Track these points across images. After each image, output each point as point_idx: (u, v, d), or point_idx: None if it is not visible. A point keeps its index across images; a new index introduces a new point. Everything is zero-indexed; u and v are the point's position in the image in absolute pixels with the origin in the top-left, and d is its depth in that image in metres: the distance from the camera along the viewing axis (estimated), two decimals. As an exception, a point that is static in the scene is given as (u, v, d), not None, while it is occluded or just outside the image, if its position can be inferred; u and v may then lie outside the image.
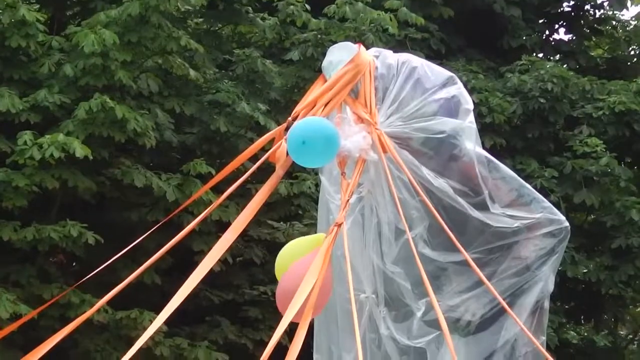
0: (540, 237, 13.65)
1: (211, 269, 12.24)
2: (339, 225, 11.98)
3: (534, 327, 13.58)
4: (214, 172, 22.94)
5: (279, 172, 12.93)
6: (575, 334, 31.23)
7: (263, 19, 30.73)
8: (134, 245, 13.59)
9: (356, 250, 12.94)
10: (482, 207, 13.22)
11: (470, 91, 14.28)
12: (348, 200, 12.36)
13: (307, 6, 31.46)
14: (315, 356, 13.41)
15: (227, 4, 29.16)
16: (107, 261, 12.89)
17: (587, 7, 38.80)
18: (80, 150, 24.54)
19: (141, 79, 26.56)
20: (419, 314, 12.91)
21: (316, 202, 14.55)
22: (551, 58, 36.39)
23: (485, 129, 23.06)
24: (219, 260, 13.78)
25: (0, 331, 15.62)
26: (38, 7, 26.56)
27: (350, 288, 11.78)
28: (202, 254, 14.04)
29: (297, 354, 11.10)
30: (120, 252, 13.46)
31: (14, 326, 15.46)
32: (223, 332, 26.88)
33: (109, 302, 15.96)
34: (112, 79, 25.97)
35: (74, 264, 26.60)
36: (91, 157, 24.91)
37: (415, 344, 13.31)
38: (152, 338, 20.44)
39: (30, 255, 25.94)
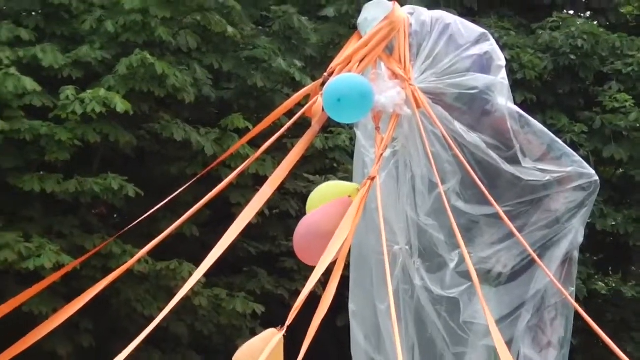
0: (570, 191, 13.66)
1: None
2: (373, 178, 11.98)
3: (563, 278, 13.60)
4: (251, 126, 22.95)
5: (315, 127, 12.97)
6: (603, 285, 31.21)
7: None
8: (173, 198, 13.66)
9: (390, 203, 12.96)
10: (514, 161, 13.24)
11: (502, 48, 14.28)
12: (382, 154, 12.35)
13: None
14: (350, 306, 13.45)
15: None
16: (146, 213, 12.95)
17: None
18: (121, 105, 24.59)
19: (180, 35, 26.60)
20: (452, 265, 12.93)
21: (351, 155, 14.64)
22: (581, 15, 36.25)
23: (516, 85, 23.00)
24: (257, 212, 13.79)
25: (44, 281, 15.64)
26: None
27: (383, 240, 11.78)
28: (240, 206, 14.05)
29: (328, 305, 11.13)
30: (159, 204, 13.51)
31: (56, 276, 15.56)
32: (260, 283, 26.91)
33: (149, 253, 16.03)
34: (152, 36, 25.99)
35: (114, 215, 26.67)
36: (131, 112, 24.97)
37: (448, 294, 13.33)
38: (191, 289, 20.39)
39: (72, 206, 26.00)
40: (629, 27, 35.87)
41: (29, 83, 24.53)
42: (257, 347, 11.64)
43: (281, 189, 22.93)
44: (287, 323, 11.01)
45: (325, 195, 12.73)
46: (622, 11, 37.06)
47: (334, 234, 11.66)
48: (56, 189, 25.49)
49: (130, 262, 14.48)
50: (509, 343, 13.49)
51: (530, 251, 12.93)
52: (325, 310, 11.19)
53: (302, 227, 12.33)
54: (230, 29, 27.33)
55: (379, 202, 12.24)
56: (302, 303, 10.74)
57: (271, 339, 11.02)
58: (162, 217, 15.95)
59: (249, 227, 14.07)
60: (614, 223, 30.77)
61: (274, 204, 24.93)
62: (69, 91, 25.13)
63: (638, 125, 32.58)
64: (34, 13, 26.90)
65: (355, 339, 13.55)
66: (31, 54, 25.49)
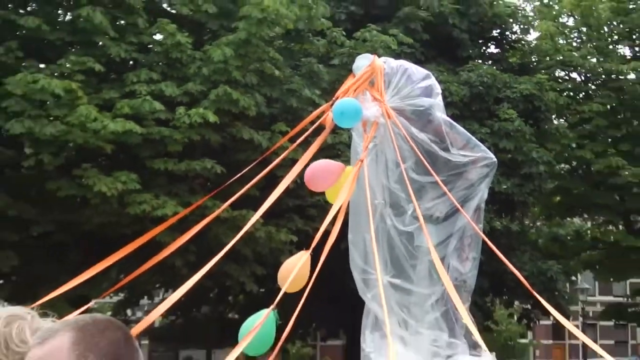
0: (479, 167, 13.82)
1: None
2: (362, 160, 12.44)
3: (475, 220, 13.71)
4: (289, 130, 22.84)
5: (327, 130, 13.49)
6: (499, 224, 31.25)
7: (318, 40, 30.67)
8: (243, 173, 13.81)
9: (372, 175, 13.17)
10: (446, 149, 13.55)
11: (439, 82, 14.35)
12: (367, 146, 12.83)
13: (343, 32, 31.53)
14: (349, 236, 13.48)
15: (296, 32, 29.07)
16: (226, 183, 13.41)
17: (507, 33, 38.56)
18: (212, 117, 24.61)
19: (247, 75, 26.45)
20: (409, 212, 13.16)
21: (349, 147, 14.65)
22: (486, 63, 36.18)
23: (447, 105, 22.92)
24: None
25: (167, 222, 15.56)
26: (187, 34, 26.51)
27: (368, 197, 12.14)
28: (282, 177, 14.00)
29: (335, 236, 11.37)
30: (235, 177, 13.65)
31: (174, 219, 15.54)
32: (295, 223, 26.89)
33: (230, 206, 16.01)
34: (230, 76, 25.93)
35: (208, 184, 26.54)
36: (218, 122, 24.97)
37: (406, 229, 13.44)
38: (254, 226, 20.55)
39: (183, 178, 25.89)
40: (514, 70, 35.77)
41: (157, 105, 24.55)
42: (293, 262, 11.67)
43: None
44: (312, 247, 11.22)
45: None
46: (510, 60, 36.96)
47: (332, 176, 12.34)
48: (174, 168, 25.46)
49: (218, 211, 14.50)
50: (443, 259, 13.54)
51: (456, 203, 13.18)
52: (334, 238, 11.32)
53: (312, 168, 12.88)
54: (277, 72, 27.26)
55: (365, 174, 12.56)
56: (320, 234, 11.02)
57: (302, 257, 11.18)
58: (237, 184, 15.76)
59: (288, 189, 14.18)
60: (505, 187, 30.73)
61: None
62: (181, 109, 25.10)
63: (520, 128, 32.59)
64: (160, 63, 26.81)
65: (352, 256, 13.59)
66: (159, 87, 25.46)
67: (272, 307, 11.28)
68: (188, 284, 12.56)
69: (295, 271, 11.79)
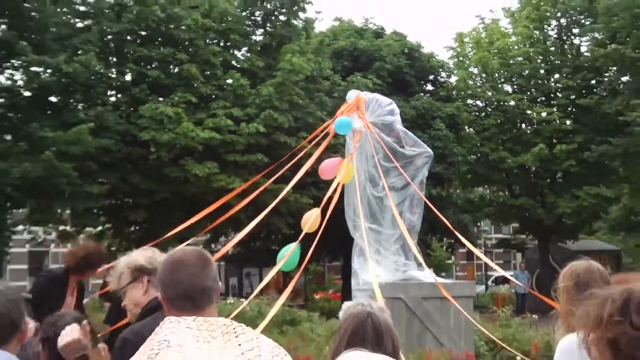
0: (423, 157, 13.64)
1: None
2: (352, 154, 12.16)
3: (420, 189, 13.49)
4: (307, 135, 22.62)
5: (331, 135, 13.23)
6: (435, 192, 30.91)
7: (325, 81, 30.50)
8: (294, 161, 13.65)
9: (358, 162, 12.89)
10: (402, 147, 13.28)
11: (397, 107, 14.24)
12: (355, 145, 12.50)
13: (340, 77, 31.38)
14: (345, 199, 13.34)
15: (312, 77, 28.79)
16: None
17: (438, 77, 38.25)
18: (262, 129, 24.67)
19: (282, 104, 26.36)
20: (380, 185, 12.90)
21: (344, 146, 14.53)
22: (425, 95, 35.79)
23: (402, 121, 22.53)
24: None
25: (236, 190, 15.42)
26: (247, 79, 26.46)
27: (356, 177, 11.86)
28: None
29: (336, 199, 11.11)
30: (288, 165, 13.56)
31: (241, 188, 15.37)
32: (312, 192, 26.69)
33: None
34: (272, 104, 25.92)
35: (260, 169, 26.45)
36: (265, 131, 24.95)
37: (379, 195, 13.26)
38: (287, 194, 20.67)
39: (245, 166, 25.76)
40: (443, 99, 35.41)
41: (229, 122, 24.70)
42: (309, 214, 11.52)
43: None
44: (320, 207, 10.95)
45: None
46: (440, 93, 36.54)
47: (335, 167, 12.16)
48: (239, 159, 25.42)
49: (265, 185, 14.35)
50: (401, 213, 13.36)
51: (408, 179, 12.92)
52: (335, 201, 11.13)
53: (323, 165, 12.67)
54: (300, 101, 27.18)
55: (354, 160, 12.29)
56: (326, 199, 10.74)
57: (314, 212, 10.99)
58: (277, 168, 15.70)
59: (307, 171, 13.91)
60: (438, 169, 30.51)
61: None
62: (243, 124, 25.14)
63: (446, 134, 32.37)
64: (230, 97, 26.66)
65: (346, 211, 13.48)
66: (230, 111, 25.50)
67: (296, 242, 11.26)
68: (248, 228, 12.51)
69: (311, 220, 11.72)
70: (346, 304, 3.89)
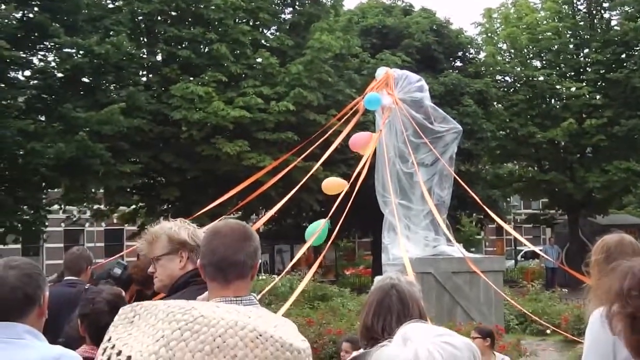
0: (451, 133, 13.63)
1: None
2: (381, 130, 12.15)
3: (449, 164, 13.50)
4: (337, 113, 22.58)
5: (360, 112, 13.19)
6: (464, 167, 30.74)
7: (354, 59, 30.40)
8: (323, 139, 13.70)
9: (387, 138, 12.95)
10: (431, 122, 13.20)
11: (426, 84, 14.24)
12: (384, 122, 12.48)
13: (369, 55, 31.28)
14: (375, 175, 13.38)
15: (341, 55, 28.68)
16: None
17: (467, 54, 38.07)
18: (291, 107, 24.76)
19: (312, 82, 26.35)
20: (410, 160, 12.87)
21: (374, 123, 14.51)
22: (454, 72, 35.47)
23: (431, 97, 22.46)
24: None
25: (266, 168, 15.49)
26: (276, 58, 26.50)
27: (384, 149, 11.90)
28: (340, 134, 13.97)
29: (364, 174, 11.17)
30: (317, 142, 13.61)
31: (271, 166, 15.42)
32: (341, 169, 26.68)
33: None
34: (302, 82, 25.89)
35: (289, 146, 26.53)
36: (295, 109, 25.04)
37: (408, 171, 13.28)
38: (317, 171, 20.65)
39: (275, 144, 25.81)
40: (471, 75, 35.15)
41: (259, 100, 24.80)
42: (333, 178, 11.58)
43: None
44: (350, 181, 10.99)
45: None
46: (469, 70, 36.25)
47: (365, 142, 12.17)
48: (269, 137, 25.53)
49: (295, 162, 14.41)
50: (430, 188, 13.38)
51: (438, 155, 12.91)
52: (363, 176, 11.17)
53: (353, 138, 12.72)
54: (329, 79, 27.17)
55: (383, 138, 12.30)
56: (355, 174, 10.78)
57: (338, 180, 11.04)
58: (308, 146, 15.69)
59: (337, 148, 13.99)
60: (467, 145, 30.37)
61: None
62: (273, 103, 25.19)
63: (475, 110, 32.19)
64: (260, 75, 26.68)
65: (377, 187, 13.56)
66: (260, 90, 25.62)
67: (326, 219, 11.31)
68: (279, 205, 12.59)
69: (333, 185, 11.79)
70: (377, 278, 3.94)
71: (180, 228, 3.79)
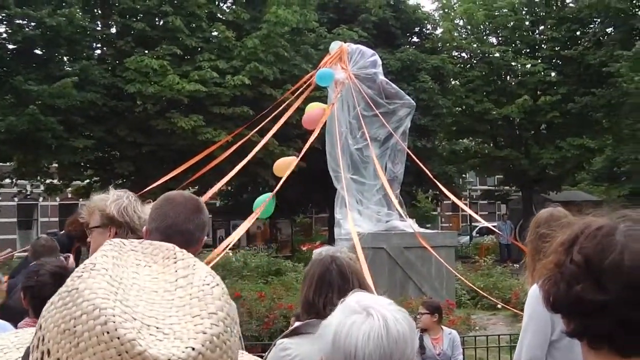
0: (405, 108, 13.61)
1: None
2: (333, 104, 12.16)
3: (402, 139, 13.55)
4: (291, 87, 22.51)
5: (312, 86, 13.14)
6: (420, 143, 30.89)
7: (310, 34, 30.30)
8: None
9: (339, 113, 12.95)
10: (382, 98, 13.18)
11: (382, 59, 14.24)
12: (336, 96, 12.47)
13: (326, 29, 31.20)
14: (327, 149, 13.38)
15: (297, 30, 28.53)
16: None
17: (423, 29, 38.20)
18: (247, 81, 24.73)
19: (268, 56, 26.24)
20: (363, 133, 12.91)
21: (326, 97, 14.52)
22: (411, 48, 35.52)
23: (387, 73, 22.24)
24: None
25: (221, 142, 15.45)
26: (232, 31, 26.35)
27: (336, 124, 11.90)
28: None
29: (312, 141, 11.20)
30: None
31: (223, 141, 15.32)
32: (298, 144, 26.70)
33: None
34: (258, 57, 25.84)
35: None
36: (251, 84, 25.07)
37: (360, 146, 13.32)
38: (273, 146, 20.18)
39: (230, 118, 25.65)
40: (428, 51, 35.25)
41: (214, 74, 24.74)
42: (285, 159, 11.58)
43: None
44: (299, 155, 11.02)
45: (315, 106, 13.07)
46: (426, 45, 36.33)
47: (318, 118, 12.12)
48: (225, 112, 25.44)
49: (248, 135, 14.38)
50: (382, 165, 13.44)
51: (390, 129, 12.95)
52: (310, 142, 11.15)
53: (306, 115, 12.75)
54: (286, 54, 27.04)
55: (335, 113, 12.29)
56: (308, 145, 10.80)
57: (289, 159, 11.04)
58: (262, 120, 15.70)
59: (293, 123, 14.00)
60: (423, 121, 30.50)
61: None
62: (229, 77, 25.10)
63: (431, 86, 32.32)
64: (216, 49, 26.52)
65: (329, 163, 13.57)
66: (215, 64, 25.42)
67: (272, 193, 11.35)
68: (229, 175, 12.64)
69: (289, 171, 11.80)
70: (315, 251, 3.96)
71: (113, 203, 3.74)
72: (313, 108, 13.32)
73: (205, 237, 3.24)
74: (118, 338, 1.00)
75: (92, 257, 1.18)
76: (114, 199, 3.76)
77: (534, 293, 4.09)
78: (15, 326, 4.22)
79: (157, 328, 1.03)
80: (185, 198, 3.10)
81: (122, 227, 3.68)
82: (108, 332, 1.00)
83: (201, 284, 1.14)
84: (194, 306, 1.10)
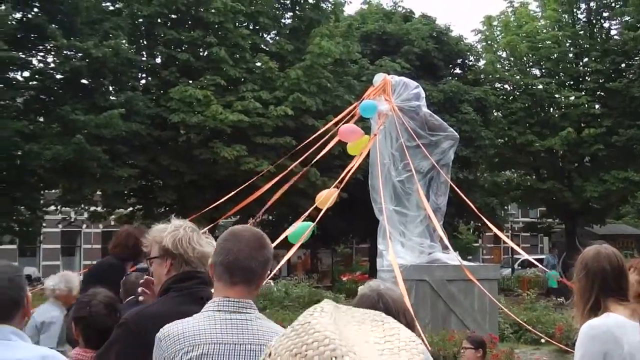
0: (448, 140, 13.54)
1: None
2: (375, 134, 12.14)
3: (445, 172, 13.48)
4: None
5: (355, 118, 13.08)
6: (462, 175, 30.70)
7: (353, 65, 30.40)
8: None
9: (382, 145, 12.93)
10: (425, 130, 13.13)
11: (425, 91, 14.24)
12: (379, 127, 12.42)
13: (368, 61, 31.30)
14: (369, 182, 13.38)
15: (340, 61, 28.64)
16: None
17: (466, 61, 38.15)
18: (289, 112, 24.84)
19: (311, 87, 26.33)
20: (405, 166, 12.87)
21: (370, 129, 14.53)
22: (453, 79, 35.51)
23: (430, 104, 22.21)
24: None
25: (263, 172, 15.49)
26: (275, 62, 26.59)
27: (377, 156, 11.87)
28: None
29: (350, 174, 11.15)
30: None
31: (265, 171, 15.34)
32: (339, 175, 26.71)
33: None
34: (301, 87, 25.93)
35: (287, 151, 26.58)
36: (293, 115, 25.15)
37: (402, 178, 13.31)
38: (315, 177, 20.23)
39: (273, 148, 25.77)
40: (470, 83, 35.19)
41: (257, 105, 24.87)
42: (325, 192, 11.61)
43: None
44: (341, 186, 10.97)
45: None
46: (468, 77, 36.29)
47: (354, 133, 12.18)
48: (267, 142, 25.55)
49: (291, 166, 14.43)
50: (427, 196, 13.39)
51: (433, 161, 12.89)
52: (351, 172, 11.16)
53: (343, 128, 12.73)
54: (329, 85, 27.20)
55: (377, 145, 12.28)
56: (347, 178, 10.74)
57: (332, 190, 11.04)
58: (303, 151, 15.75)
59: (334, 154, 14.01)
60: (465, 153, 30.35)
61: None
62: (272, 107, 25.22)
63: (473, 118, 32.22)
64: (259, 80, 26.72)
65: (371, 195, 13.56)
66: (259, 94, 25.65)
67: (314, 223, 11.37)
68: (269, 204, 12.80)
69: (325, 197, 11.78)
70: (361, 288, 3.93)
71: (170, 234, 3.77)
72: (357, 145, 13.33)
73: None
74: None
75: (315, 308, 1.37)
76: (171, 230, 3.78)
77: (586, 331, 4.03)
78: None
79: None
80: (250, 234, 3.11)
81: (176, 259, 3.72)
82: (336, 358, 1.19)
83: (407, 340, 1.34)
84: (402, 356, 1.30)
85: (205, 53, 26.99)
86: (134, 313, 3.65)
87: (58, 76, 24.67)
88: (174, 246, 3.72)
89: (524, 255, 18.31)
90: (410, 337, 1.33)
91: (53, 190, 26.81)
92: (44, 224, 28.00)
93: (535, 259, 20.57)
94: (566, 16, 36.68)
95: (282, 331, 3.11)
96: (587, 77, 36.12)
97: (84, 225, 42.39)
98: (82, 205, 27.45)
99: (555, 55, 35.85)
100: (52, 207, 26.98)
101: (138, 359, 3.33)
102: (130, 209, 28.92)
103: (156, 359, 2.98)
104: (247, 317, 3.03)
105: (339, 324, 1.31)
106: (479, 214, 14.63)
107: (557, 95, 35.79)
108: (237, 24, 27.76)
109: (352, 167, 12.85)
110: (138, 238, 7.71)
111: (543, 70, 37.13)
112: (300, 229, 11.69)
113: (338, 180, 13.06)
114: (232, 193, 14.68)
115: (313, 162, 14.10)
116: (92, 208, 28.20)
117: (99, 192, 26.86)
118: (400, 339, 1.32)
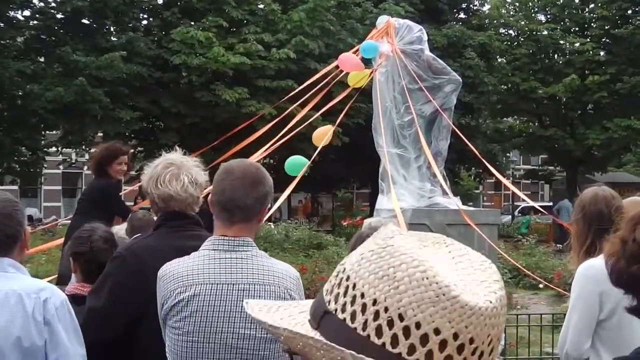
0: (452, 82, 13.45)
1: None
2: (375, 69, 12.11)
3: (448, 116, 13.41)
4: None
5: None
6: (464, 121, 30.60)
7: (356, 8, 30.12)
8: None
9: (384, 88, 12.89)
10: (427, 73, 13.06)
11: (428, 36, 14.11)
12: (379, 64, 12.38)
13: (372, 4, 31.01)
14: (372, 125, 13.35)
15: (344, 4, 28.39)
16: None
17: (470, 5, 37.84)
18: (292, 54, 24.68)
19: (313, 30, 26.17)
20: (407, 110, 12.83)
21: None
22: (457, 24, 35.20)
23: (433, 49, 21.89)
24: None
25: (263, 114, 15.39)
26: (278, 4, 26.30)
27: (379, 100, 11.83)
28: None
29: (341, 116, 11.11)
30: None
31: (264, 112, 15.27)
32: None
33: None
34: (303, 30, 25.72)
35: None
36: (295, 57, 24.89)
37: (404, 121, 13.28)
38: (316, 120, 20.50)
39: (274, 91, 25.63)
40: (474, 28, 34.88)
41: (259, 47, 24.68)
42: (321, 129, 11.60)
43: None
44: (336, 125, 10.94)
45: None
46: (472, 22, 35.98)
47: (354, 64, 12.15)
48: (269, 85, 25.41)
49: (290, 107, 14.38)
50: (427, 140, 13.37)
51: (436, 104, 12.84)
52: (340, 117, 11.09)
53: (344, 56, 12.61)
54: (332, 27, 26.95)
55: (380, 86, 12.25)
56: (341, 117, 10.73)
57: (328, 128, 11.02)
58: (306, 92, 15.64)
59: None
60: (468, 99, 30.19)
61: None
62: (274, 50, 25.08)
63: (477, 63, 32.00)
64: (261, 22, 26.49)
65: (375, 138, 13.50)
66: (261, 37, 25.45)
67: (309, 161, 11.42)
68: (267, 146, 12.78)
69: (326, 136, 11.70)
70: (366, 221, 3.91)
71: (147, 174, 3.72)
72: (356, 77, 13.26)
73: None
74: (436, 283, 1.18)
75: (392, 231, 1.34)
76: (149, 169, 3.74)
77: (582, 271, 4.02)
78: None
79: (455, 285, 1.21)
80: (243, 171, 3.00)
81: (150, 199, 3.73)
82: (427, 278, 1.18)
83: (479, 261, 1.30)
84: (478, 275, 1.27)
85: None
86: (127, 246, 3.66)
87: (59, 16, 24.48)
88: (145, 186, 3.70)
89: (529, 202, 18.34)
90: (481, 257, 1.32)
91: (54, 132, 26.80)
92: (45, 165, 28.00)
93: (540, 206, 20.50)
94: (573, -39, 36.24)
95: (286, 270, 3.07)
96: (592, 23, 35.77)
97: (85, 167, 42.41)
98: (84, 147, 27.46)
99: (561, 1, 35.49)
100: (53, 149, 26.98)
101: (133, 290, 3.35)
102: (132, 150, 28.89)
103: (158, 298, 2.97)
104: (244, 255, 2.96)
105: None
106: (481, 160, 14.60)
107: (561, 42, 35.48)
108: (239, -36, 27.50)
109: (347, 104, 12.81)
110: (105, 147, 8.34)
111: (548, 16, 36.78)
112: (294, 160, 11.78)
113: (337, 124, 13.02)
114: (231, 133, 14.69)
115: (313, 103, 14.02)
116: (94, 149, 28.20)
117: (100, 134, 26.84)
118: (472, 260, 1.31)
